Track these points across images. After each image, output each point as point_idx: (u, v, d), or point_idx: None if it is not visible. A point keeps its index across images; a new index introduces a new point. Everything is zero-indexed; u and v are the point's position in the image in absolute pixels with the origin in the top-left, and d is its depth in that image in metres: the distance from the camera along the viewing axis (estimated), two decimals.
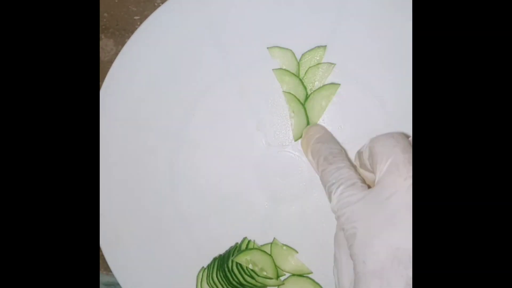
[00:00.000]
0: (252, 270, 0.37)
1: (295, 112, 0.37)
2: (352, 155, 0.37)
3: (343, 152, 0.32)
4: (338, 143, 0.34)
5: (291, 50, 0.37)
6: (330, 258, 0.38)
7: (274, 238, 0.39)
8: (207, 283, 0.38)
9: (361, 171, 0.31)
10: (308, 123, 0.37)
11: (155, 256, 0.39)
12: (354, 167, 0.31)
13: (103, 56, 0.43)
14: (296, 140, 0.38)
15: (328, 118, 0.37)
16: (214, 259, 0.39)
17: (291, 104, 0.37)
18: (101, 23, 0.42)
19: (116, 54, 0.39)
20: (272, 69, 0.37)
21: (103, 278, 0.44)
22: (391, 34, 0.36)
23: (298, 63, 0.37)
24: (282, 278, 0.38)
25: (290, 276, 0.38)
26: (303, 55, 0.37)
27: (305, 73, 0.37)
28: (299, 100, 0.37)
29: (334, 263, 0.30)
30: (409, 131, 0.36)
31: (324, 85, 0.37)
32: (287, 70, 0.37)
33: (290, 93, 0.37)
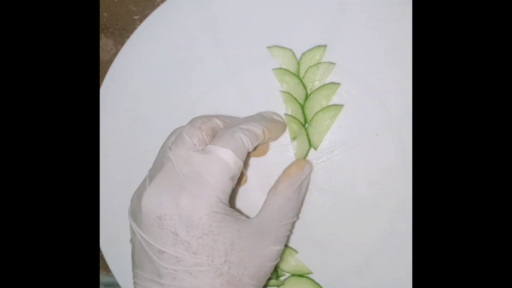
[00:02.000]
0: None
1: (292, 112, 0.37)
2: (352, 154, 0.37)
3: None
4: None
5: (291, 50, 0.37)
6: (330, 258, 0.38)
7: None
8: None
9: None
10: (305, 123, 0.37)
11: None
12: None
13: (103, 56, 0.42)
14: (293, 140, 0.38)
15: None
16: None
17: (289, 104, 0.37)
18: (101, 23, 0.42)
19: (116, 54, 0.39)
20: (272, 69, 0.37)
21: (103, 278, 0.44)
22: (391, 34, 0.36)
23: (298, 62, 0.37)
24: (282, 278, 0.38)
25: (290, 276, 0.38)
26: (303, 54, 0.37)
27: (305, 72, 0.37)
28: (296, 99, 0.37)
29: None
30: (409, 131, 0.36)
31: (324, 85, 0.37)
32: (287, 70, 0.37)
33: (287, 92, 0.37)
